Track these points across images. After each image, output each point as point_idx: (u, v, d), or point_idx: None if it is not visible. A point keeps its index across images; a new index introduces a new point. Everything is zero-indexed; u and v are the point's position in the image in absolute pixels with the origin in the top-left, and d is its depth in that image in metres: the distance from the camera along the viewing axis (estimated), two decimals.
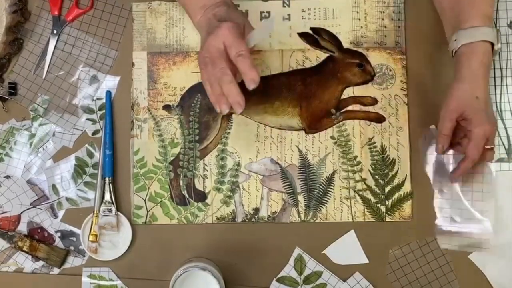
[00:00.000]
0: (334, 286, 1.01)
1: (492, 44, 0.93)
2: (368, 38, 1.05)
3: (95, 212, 1.01)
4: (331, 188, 1.03)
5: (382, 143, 1.04)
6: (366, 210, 1.03)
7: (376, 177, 1.03)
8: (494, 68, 1.05)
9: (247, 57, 0.86)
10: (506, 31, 1.06)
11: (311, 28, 1.05)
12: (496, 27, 1.05)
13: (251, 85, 0.86)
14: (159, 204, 1.03)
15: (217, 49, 0.88)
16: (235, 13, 0.94)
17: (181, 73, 1.04)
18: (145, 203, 1.03)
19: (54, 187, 1.03)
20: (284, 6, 1.06)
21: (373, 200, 1.03)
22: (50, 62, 1.05)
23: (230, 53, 0.87)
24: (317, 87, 1.04)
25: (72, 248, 1.03)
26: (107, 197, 1.01)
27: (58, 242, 1.03)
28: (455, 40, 0.93)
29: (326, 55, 1.05)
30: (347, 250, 1.02)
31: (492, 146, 0.95)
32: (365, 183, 1.03)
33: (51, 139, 1.04)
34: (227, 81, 0.87)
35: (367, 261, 1.02)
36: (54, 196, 1.03)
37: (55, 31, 1.05)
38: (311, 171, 1.03)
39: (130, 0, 1.05)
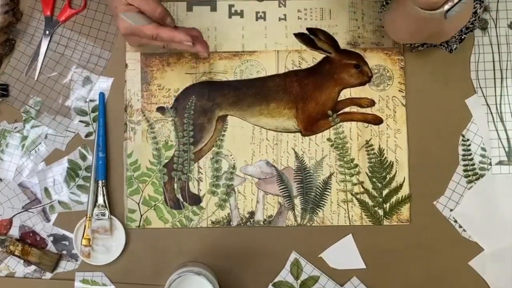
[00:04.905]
0: None
1: None
2: (365, 39, 1.04)
3: (88, 216, 1.00)
4: (328, 191, 1.01)
5: (379, 145, 1.02)
6: (363, 213, 1.01)
7: (374, 180, 1.02)
8: (494, 70, 1.04)
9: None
10: (506, 32, 1.04)
11: (307, 29, 1.04)
12: (496, 27, 1.04)
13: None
14: (153, 208, 1.01)
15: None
16: None
17: (175, 74, 1.03)
18: (139, 206, 1.01)
19: (46, 190, 1.02)
20: (280, 6, 1.04)
21: (370, 203, 1.01)
22: (42, 63, 1.03)
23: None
24: (313, 88, 1.03)
25: (64, 252, 1.01)
26: (100, 200, 1.00)
27: (51, 246, 1.01)
28: None
29: (323, 56, 1.03)
30: (344, 254, 1.01)
31: None
32: (363, 186, 1.02)
33: (43, 141, 1.02)
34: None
35: (364, 266, 1.01)
36: (46, 199, 1.02)
37: (47, 32, 1.04)
38: (308, 174, 1.02)
39: None
